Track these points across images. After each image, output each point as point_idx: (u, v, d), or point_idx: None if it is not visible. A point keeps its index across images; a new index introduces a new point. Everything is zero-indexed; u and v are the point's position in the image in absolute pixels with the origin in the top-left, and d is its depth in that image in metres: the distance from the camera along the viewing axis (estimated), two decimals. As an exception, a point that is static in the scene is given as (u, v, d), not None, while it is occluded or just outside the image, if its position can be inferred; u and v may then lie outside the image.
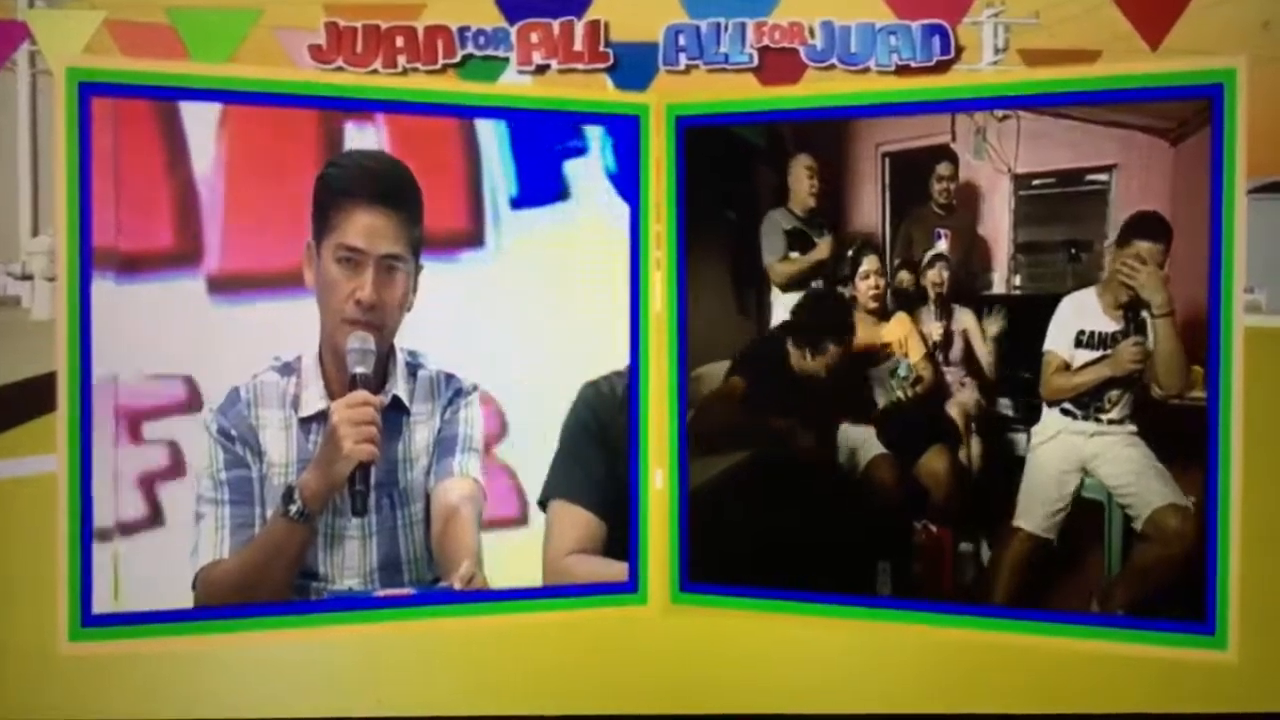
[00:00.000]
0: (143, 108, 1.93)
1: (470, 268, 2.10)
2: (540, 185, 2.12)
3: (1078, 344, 2.04)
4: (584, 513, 2.12)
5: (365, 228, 1.92)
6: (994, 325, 2.11)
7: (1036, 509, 2.07)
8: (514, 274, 2.12)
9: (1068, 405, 2.06)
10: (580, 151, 2.15)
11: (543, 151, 2.12)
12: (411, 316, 2.01)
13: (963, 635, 2.08)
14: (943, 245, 2.13)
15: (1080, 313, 2.04)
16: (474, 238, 2.10)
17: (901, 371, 2.16)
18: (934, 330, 2.14)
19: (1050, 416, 2.08)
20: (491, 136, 2.10)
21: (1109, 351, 2.03)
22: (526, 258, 2.13)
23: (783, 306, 2.20)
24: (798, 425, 2.19)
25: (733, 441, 2.20)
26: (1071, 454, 2.06)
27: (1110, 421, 2.04)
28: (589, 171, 2.16)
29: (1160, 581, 1.97)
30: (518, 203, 2.12)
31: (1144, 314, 1.99)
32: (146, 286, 1.94)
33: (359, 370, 1.90)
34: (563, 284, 2.15)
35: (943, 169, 2.12)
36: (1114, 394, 2.03)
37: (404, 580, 2.01)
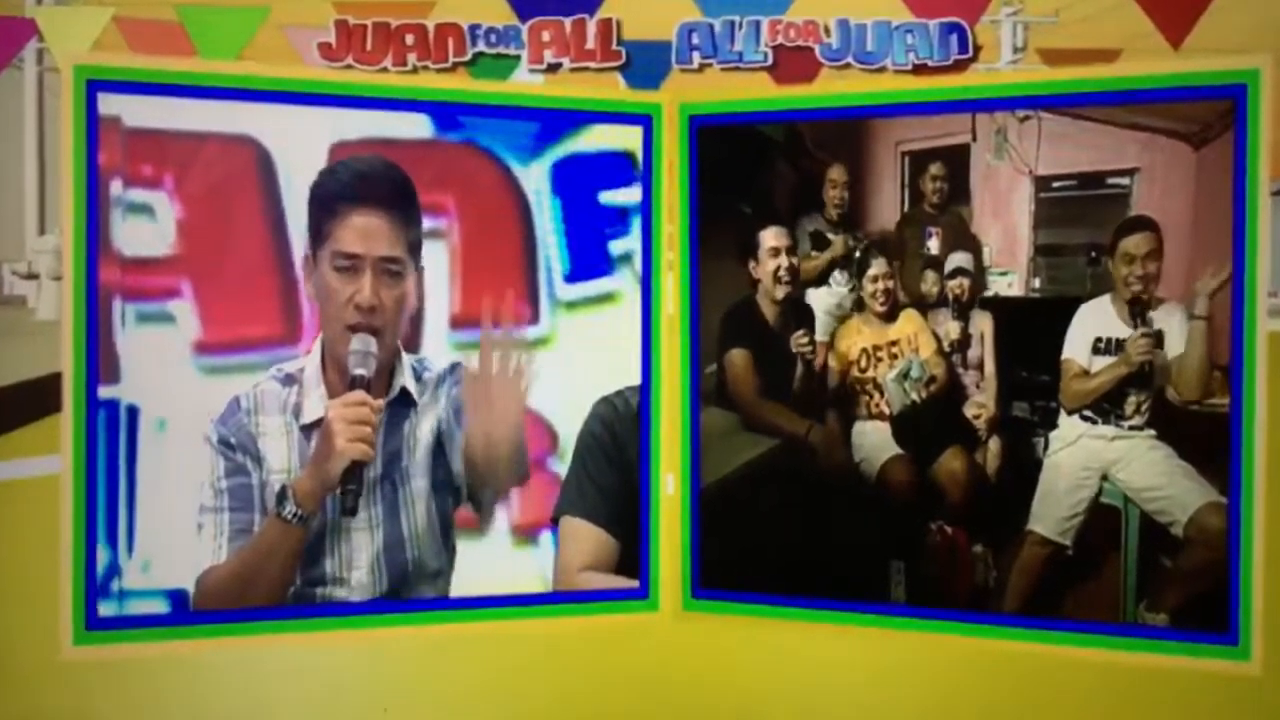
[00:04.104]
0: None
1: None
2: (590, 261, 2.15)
3: (1095, 351, 2.03)
4: (596, 530, 2.10)
5: (360, 231, 1.89)
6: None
7: (1051, 513, 2.04)
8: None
9: (1087, 411, 2.03)
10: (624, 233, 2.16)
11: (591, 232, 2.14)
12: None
13: (979, 644, 2.05)
14: (933, 245, 2.10)
15: (1097, 319, 2.02)
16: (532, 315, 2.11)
17: (914, 373, 2.12)
18: (951, 330, 2.11)
19: (1070, 423, 2.05)
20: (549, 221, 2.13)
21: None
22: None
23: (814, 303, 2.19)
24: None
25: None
26: (1092, 459, 2.04)
27: (1131, 426, 2.01)
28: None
29: (1208, 584, 1.93)
30: (570, 277, 2.13)
31: (1150, 313, 1.97)
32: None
33: (359, 372, 1.88)
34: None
35: (935, 169, 2.09)
36: (1134, 398, 2.01)
37: (406, 557, 1.99)
